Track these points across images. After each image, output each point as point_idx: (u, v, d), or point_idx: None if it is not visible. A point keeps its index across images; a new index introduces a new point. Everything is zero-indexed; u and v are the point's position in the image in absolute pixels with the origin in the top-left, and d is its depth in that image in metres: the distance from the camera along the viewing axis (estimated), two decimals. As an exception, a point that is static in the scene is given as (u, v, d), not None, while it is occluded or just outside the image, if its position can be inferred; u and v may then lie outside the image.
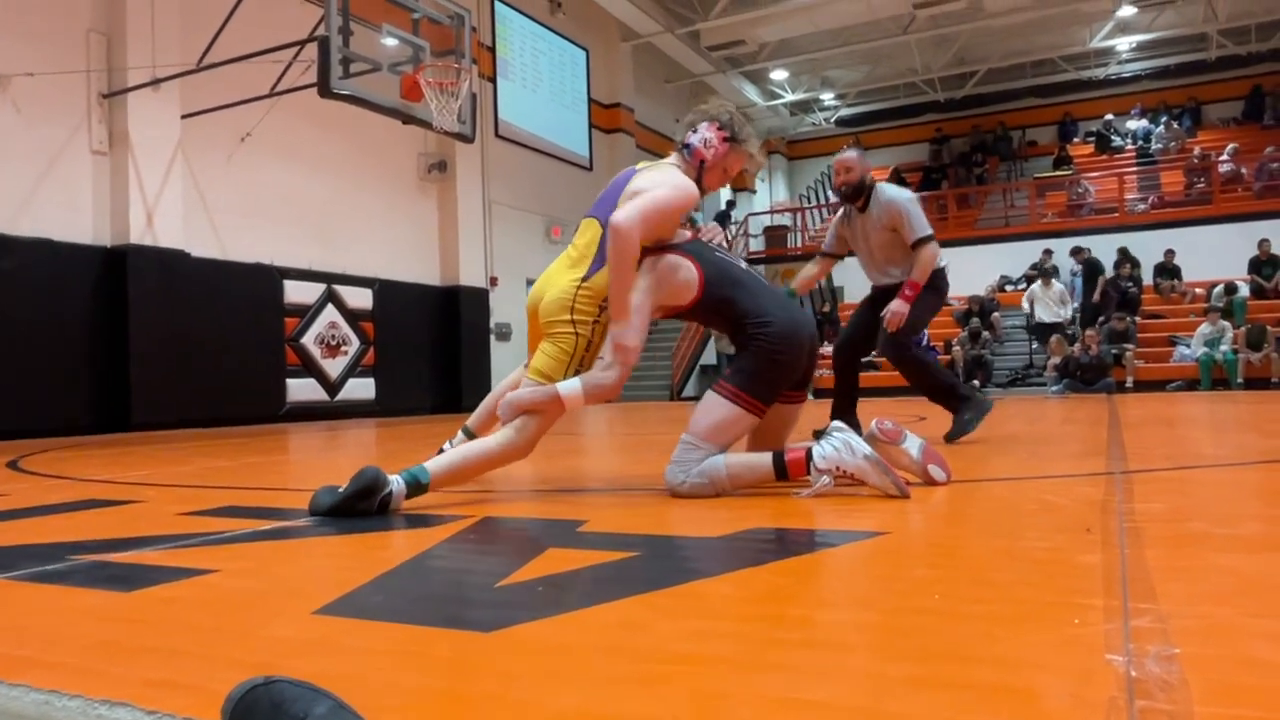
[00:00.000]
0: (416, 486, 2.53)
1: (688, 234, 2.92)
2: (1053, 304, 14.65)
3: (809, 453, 2.57)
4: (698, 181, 2.86)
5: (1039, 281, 15.10)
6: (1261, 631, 1.21)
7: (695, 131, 2.88)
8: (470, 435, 3.30)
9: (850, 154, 4.55)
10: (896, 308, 4.42)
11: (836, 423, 2.67)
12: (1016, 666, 1.09)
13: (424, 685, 1.10)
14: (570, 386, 2.64)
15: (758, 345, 2.66)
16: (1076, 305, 15.12)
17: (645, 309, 2.72)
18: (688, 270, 2.74)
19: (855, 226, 4.66)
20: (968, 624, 1.28)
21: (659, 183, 2.76)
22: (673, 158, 2.93)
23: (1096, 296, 14.97)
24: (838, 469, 2.54)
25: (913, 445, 2.68)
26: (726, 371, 2.73)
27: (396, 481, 2.48)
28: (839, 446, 2.56)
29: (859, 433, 4.44)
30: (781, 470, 2.59)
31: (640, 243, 2.66)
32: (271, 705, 0.79)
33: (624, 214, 2.60)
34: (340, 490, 2.44)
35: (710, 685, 1.06)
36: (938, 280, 4.59)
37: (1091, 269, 15.47)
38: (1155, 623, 1.23)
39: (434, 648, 1.24)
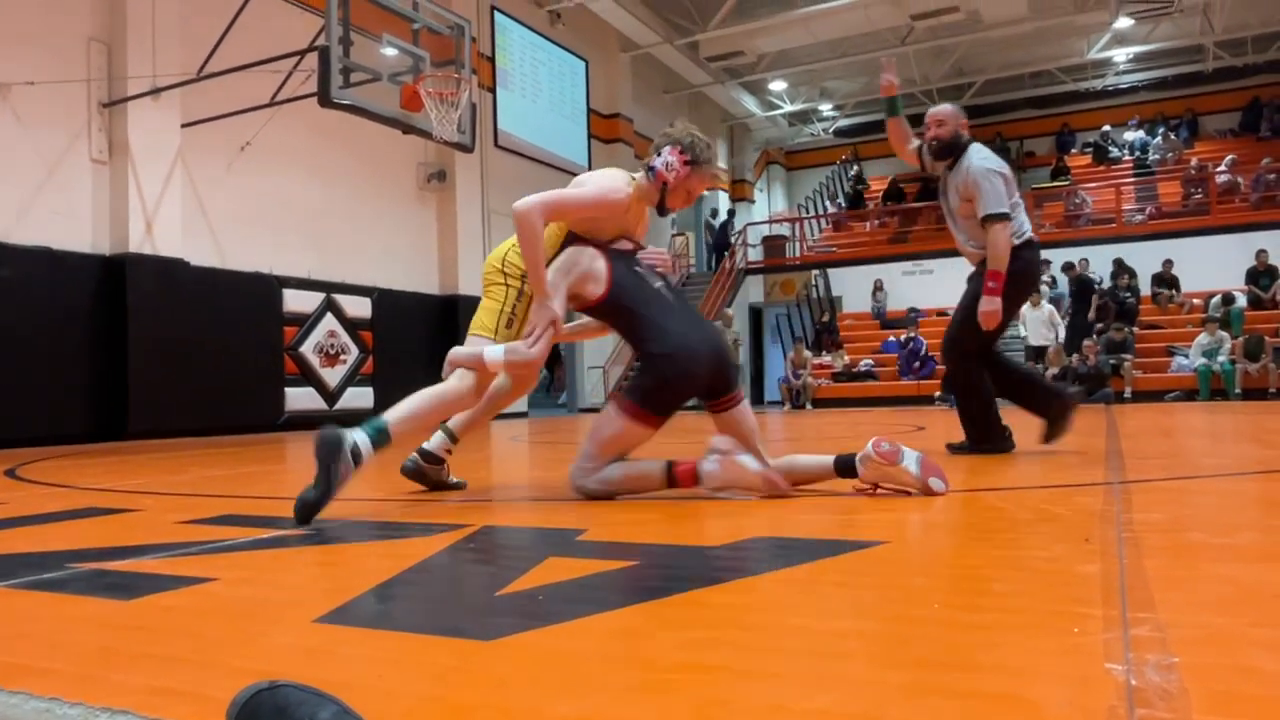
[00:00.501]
0: (379, 435, 2.63)
1: (627, 245, 2.99)
2: (1041, 326, 14.32)
3: (697, 469, 2.67)
4: (661, 202, 2.97)
5: (1028, 302, 14.96)
6: (1260, 641, 1.21)
7: (659, 154, 2.96)
8: (449, 433, 3.25)
9: (944, 108, 4.28)
10: (985, 306, 4.03)
11: (715, 439, 2.70)
12: (1016, 675, 1.09)
13: (424, 693, 1.10)
14: (494, 352, 2.81)
15: (648, 361, 2.79)
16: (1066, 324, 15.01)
17: (560, 287, 2.84)
18: (599, 264, 2.85)
19: (944, 183, 4.32)
20: (967, 632, 1.28)
21: (587, 181, 2.92)
22: (639, 175, 3.02)
23: (1092, 314, 14.88)
24: (726, 486, 2.64)
25: (911, 461, 2.68)
26: (623, 385, 2.81)
27: (358, 434, 2.56)
28: (725, 466, 2.64)
29: (1007, 440, 4.19)
30: (672, 480, 2.71)
31: (544, 225, 2.80)
32: (276, 709, 0.79)
33: (523, 200, 2.75)
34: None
35: (710, 693, 1.06)
36: (1018, 264, 4.11)
37: (1084, 285, 15.41)
38: (1154, 632, 1.23)
39: (434, 656, 1.24)
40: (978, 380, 4.31)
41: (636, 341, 2.84)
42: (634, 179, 3.00)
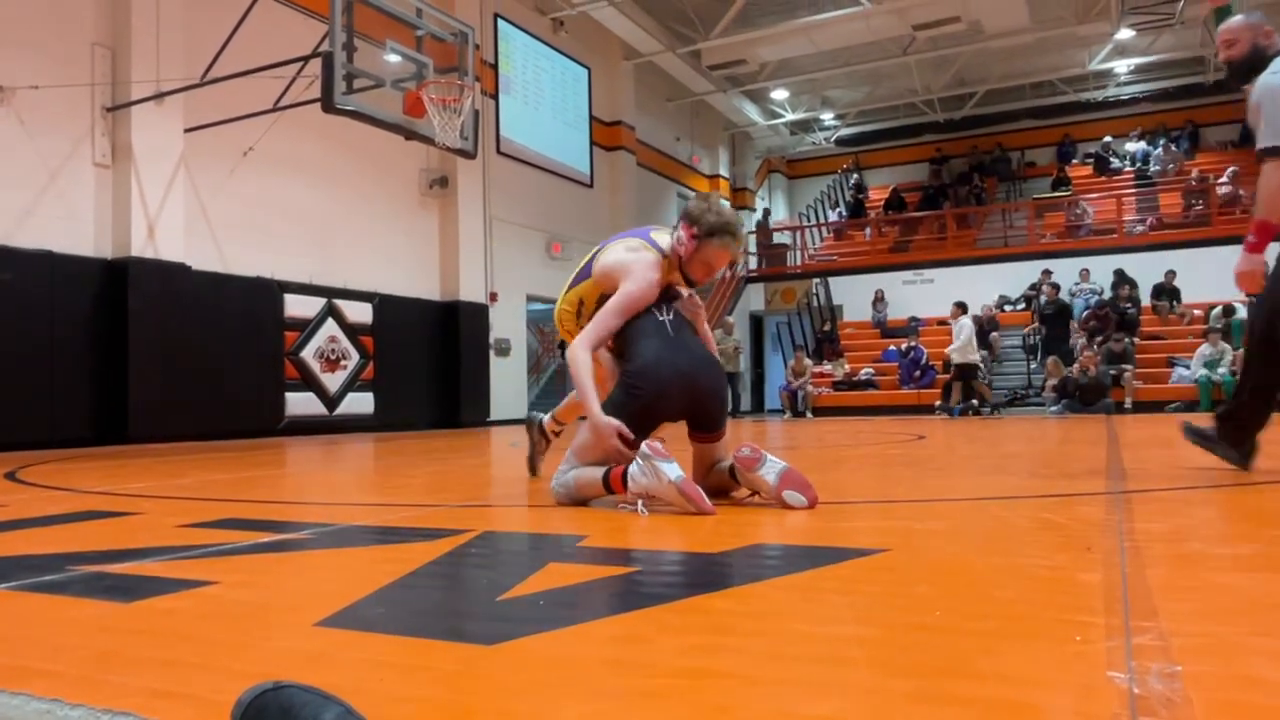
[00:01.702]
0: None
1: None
2: (957, 342, 13.90)
3: (625, 472, 2.70)
4: (685, 276, 3.08)
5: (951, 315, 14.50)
6: (1262, 650, 1.21)
7: (676, 229, 3.08)
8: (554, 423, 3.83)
9: (1234, 21, 3.44)
10: (1239, 265, 3.27)
11: (644, 446, 2.66)
12: (1018, 682, 1.09)
13: (426, 697, 1.10)
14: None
15: (621, 380, 2.88)
16: (985, 354, 14.51)
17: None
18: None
19: None
20: (969, 640, 1.28)
21: (618, 267, 3.03)
22: (667, 243, 3.11)
23: (1074, 339, 14.59)
24: (647, 494, 2.63)
25: (770, 471, 2.66)
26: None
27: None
28: (646, 471, 2.63)
29: (1249, 456, 3.57)
30: (608, 485, 2.76)
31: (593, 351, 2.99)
32: (280, 710, 0.79)
33: (575, 342, 2.97)
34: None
35: (711, 699, 1.06)
36: None
37: (1062, 310, 15.09)
38: (1156, 640, 1.23)
39: (436, 660, 1.24)
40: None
41: (624, 361, 2.93)
42: (665, 255, 3.08)
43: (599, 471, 2.81)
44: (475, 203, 13.05)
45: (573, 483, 2.87)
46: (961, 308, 14.24)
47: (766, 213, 22.88)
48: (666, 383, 2.84)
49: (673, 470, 2.59)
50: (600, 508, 2.78)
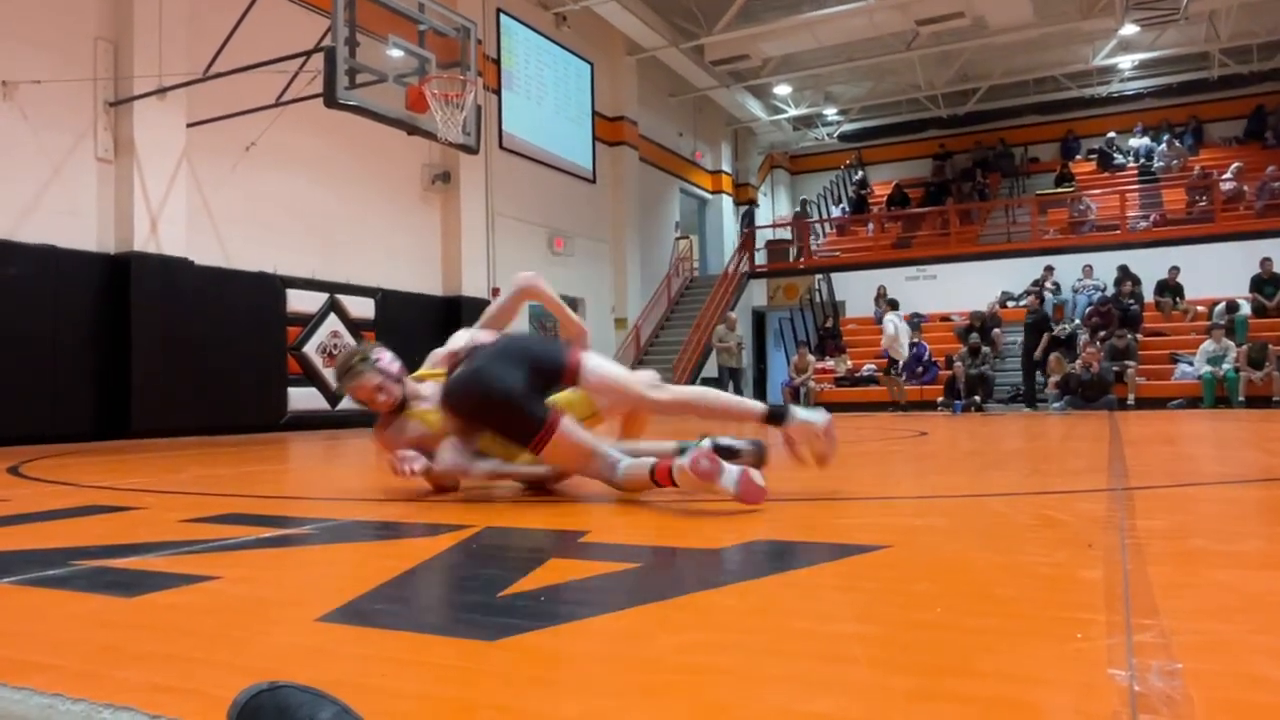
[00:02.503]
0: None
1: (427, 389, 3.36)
2: (898, 340, 14.29)
3: (672, 466, 2.62)
4: (386, 413, 3.29)
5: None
6: (1264, 648, 1.21)
7: None
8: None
9: None
10: None
11: (707, 440, 2.64)
12: (1019, 680, 1.09)
13: (427, 693, 1.10)
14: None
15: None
16: (988, 350, 14.52)
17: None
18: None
19: None
20: (970, 638, 1.28)
21: None
22: None
23: (1038, 353, 14.06)
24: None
25: (729, 480, 2.50)
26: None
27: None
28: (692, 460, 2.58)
29: None
30: (654, 479, 2.70)
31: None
32: (277, 710, 0.79)
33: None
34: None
35: (712, 696, 1.06)
36: None
37: (1040, 321, 14.68)
38: (1158, 638, 1.22)
39: (437, 656, 1.24)
40: None
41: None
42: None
43: (645, 464, 2.73)
44: (477, 198, 13.05)
45: (619, 476, 2.78)
46: (892, 305, 14.45)
47: (804, 203, 23.03)
48: (452, 400, 2.93)
49: (729, 478, 2.48)
50: (602, 504, 2.77)
